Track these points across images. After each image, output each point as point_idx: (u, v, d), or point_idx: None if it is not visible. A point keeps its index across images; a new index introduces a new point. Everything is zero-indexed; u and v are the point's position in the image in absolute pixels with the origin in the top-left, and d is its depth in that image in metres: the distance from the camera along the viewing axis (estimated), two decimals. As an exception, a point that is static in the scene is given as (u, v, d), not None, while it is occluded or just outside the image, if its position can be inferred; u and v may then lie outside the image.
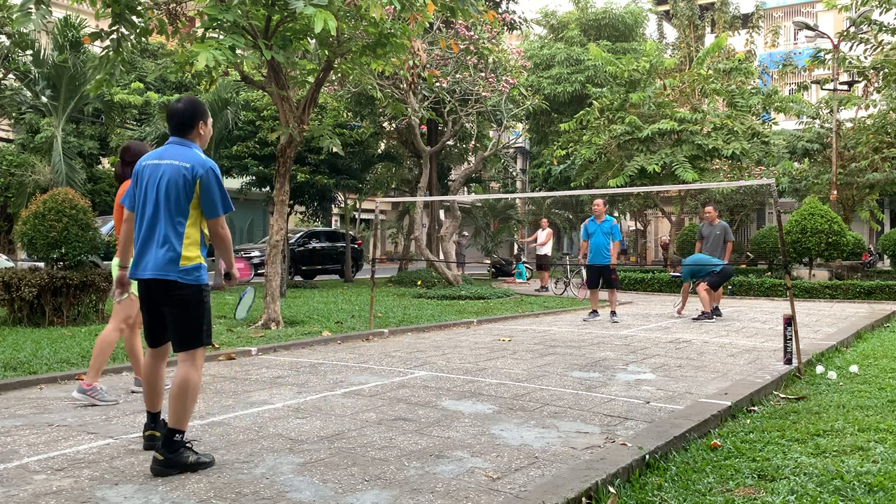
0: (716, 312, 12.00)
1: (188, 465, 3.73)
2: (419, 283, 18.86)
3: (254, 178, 19.74)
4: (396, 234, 33.75)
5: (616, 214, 37.19)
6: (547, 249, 19.73)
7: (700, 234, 12.46)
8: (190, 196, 3.81)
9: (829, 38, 19.83)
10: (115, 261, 5.10)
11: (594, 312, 11.72)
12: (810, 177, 23.81)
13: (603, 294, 12.41)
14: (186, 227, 3.83)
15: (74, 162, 17.25)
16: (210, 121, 4.09)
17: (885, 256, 23.57)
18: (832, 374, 6.50)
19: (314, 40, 9.55)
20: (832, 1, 16.13)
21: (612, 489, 3.46)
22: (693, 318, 11.53)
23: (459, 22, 14.02)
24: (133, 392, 5.62)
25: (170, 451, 3.70)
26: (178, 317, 3.84)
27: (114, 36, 8.68)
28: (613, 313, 11.41)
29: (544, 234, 19.66)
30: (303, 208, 22.68)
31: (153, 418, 4.10)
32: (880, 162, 21.28)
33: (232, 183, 28.21)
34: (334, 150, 10.77)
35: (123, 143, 5.11)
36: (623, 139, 19.92)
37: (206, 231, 3.95)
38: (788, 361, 6.87)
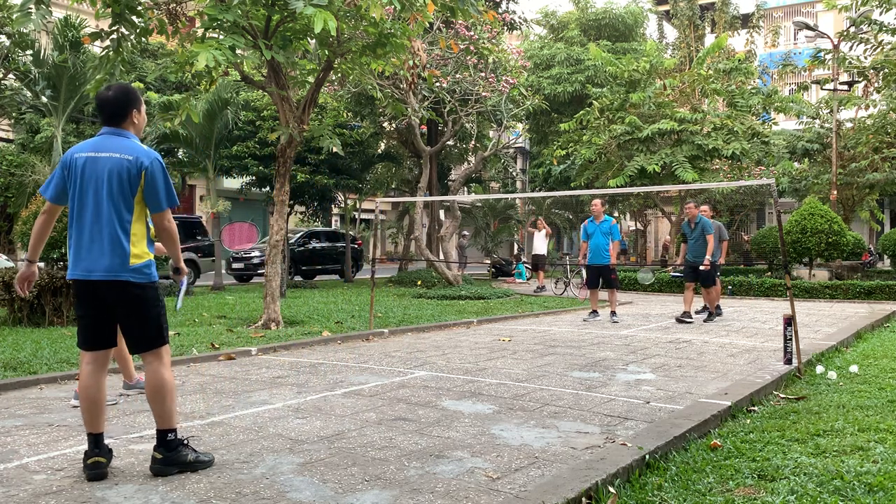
0: (717, 312, 12.02)
1: (187, 462, 3.68)
2: (419, 283, 18.86)
3: (254, 178, 19.75)
4: (396, 234, 33.76)
5: (616, 214, 37.22)
6: (542, 249, 19.71)
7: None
8: (135, 190, 3.63)
9: (829, 38, 19.83)
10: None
11: (594, 312, 11.72)
12: (810, 177, 23.82)
13: (603, 294, 12.41)
14: (133, 223, 3.64)
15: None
16: (144, 108, 3.86)
17: (885, 256, 23.58)
18: (832, 374, 6.50)
19: (314, 40, 9.55)
20: (832, 1, 16.14)
21: (612, 489, 3.46)
22: (675, 319, 11.28)
23: (459, 22, 14.02)
24: (121, 395, 5.54)
25: (168, 450, 3.66)
26: (138, 318, 3.67)
27: (114, 36, 8.68)
28: (613, 313, 11.41)
29: (542, 234, 19.71)
30: (303, 208, 22.68)
31: (96, 441, 3.64)
32: (880, 162, 21.28)
33: (232, 183, 28.23)
34: (334, 150, 10.76)
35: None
36: (623, 139, 19.93)
37: (151, 225, 3.79)
38: (788, 361, 6.87)
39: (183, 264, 3.99)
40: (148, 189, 3.65)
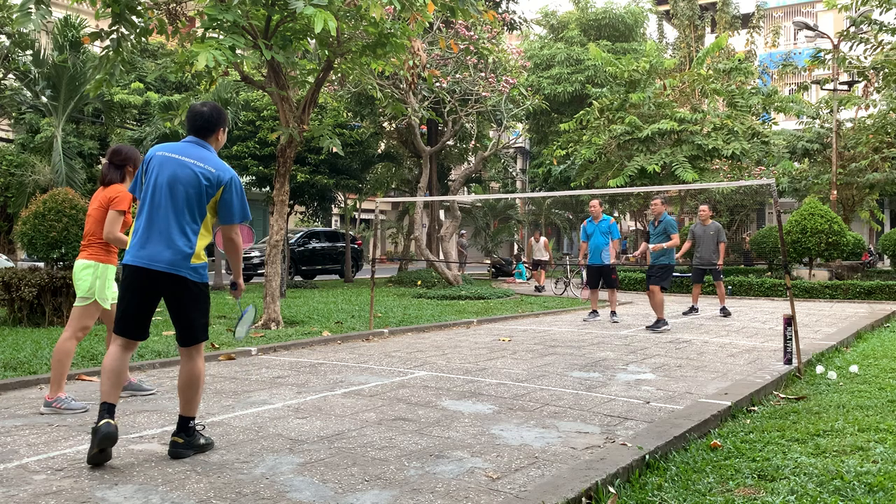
0: (723, 312, 12.06)
1: (201, 446, 4.02)
2: (419, 283, 18.87)
3: (254, 178, 19.75)
4: (396, 234, 33.76)
5: (616, 214, 37.13)
6: (544, 256, 19.93)
7: (692, 234, 12.42)
8: (209, 199, 3.91)
9: (829, 38, 19.83)
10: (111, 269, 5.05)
11: (594, 312, 11.72)
12: (810, 177, 23.82)
13: (603, 294, 12.41)
14: (201, 227, 3.92)
15: (74, 162, 17.23)
16: (227, 128, 4.20)
17: (885, 256, 23.57)
18: (832, 374, 6.50)
19: (314, 40, 9.55)
20: (832, 1, 16.12)
21: (612, 489, 3.46)
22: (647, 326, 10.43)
23: (459, 22, 14.02)
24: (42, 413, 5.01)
25: (188, 435, 3.96)
26: (188, 313, 3.94)
27: (114, 36, 8.68)
28: (613, 313, 11.41)
29: (541, 244, 19.86)
30: (303, 208, 22.68)
31: (109, 409, 3.82)
32: (880, 162, 21.28)
33: (232, 183, 28.24)
34: (334, 150, 10.75)
35: (113, 145, 4.93)
36: (623, 139, 19.93)
37: (211, 235, 4.08)
38: (788, 361, 6.87)
39: (241, 281, 4.24)
40: (224, 202, 3.95)
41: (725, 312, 12.13)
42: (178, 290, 3.88)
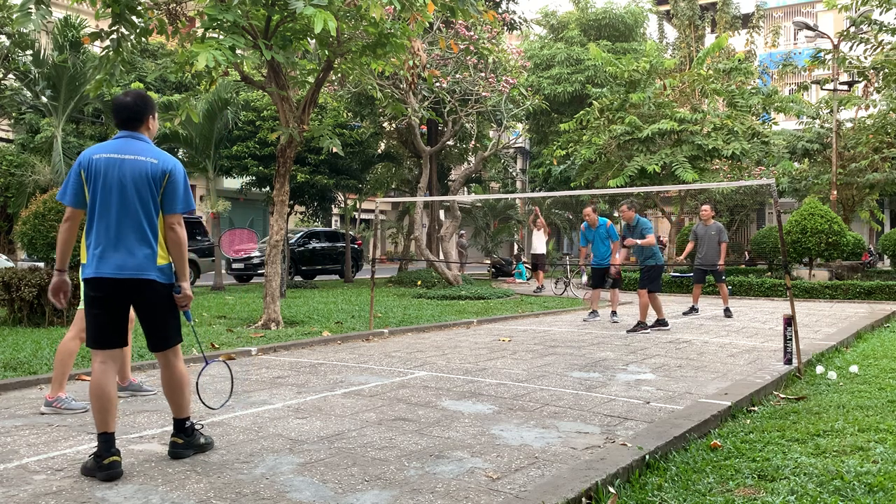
0: (727, 313, 12.06)
1: (201, 445, 4.04)
2: (419, 283, 18.86)
3: (254, 178, 19.75)
4: (396, 234, 33.75)
5: (616, 215, 37.07)
6: (542, 248, 19.69)
7: (694, 235, 12.44)
8: (158, 192, 3.77)
9: (829, 38, 19.83)
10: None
11: (594, 313, 11.72)
12: (810, 177, 23.81)
13: (604, 294, 12.40)
14: (157, 226, 3.79)
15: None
16: (156, 114, 4.04)
17: (885, 256, 23.57)
18: (832, 375, 6.50)
19: (314, 40, 9.55)
20: (832, 1, 16.12)
21: (612, 489, 3.46)
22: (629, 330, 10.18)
23: (459, 22, 14.02)
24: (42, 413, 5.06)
25: (187, 435, 3.98)
26: (159, 316, 3.83)
27: (114, 36, 8.68)
28: (614, 313, 11.41)
29: (540, 233, 19.69)
30: (303, 208, 22.68)
31: (109, 441, 3.62)
32: (880, 162, 21.27)
33: (232, 183, 28.23)
34: (334, 150, 10.74)
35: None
36: (623, 139, 19.92)
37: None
38: (788, 361, 6.87)
39: (187, 284, 3.87)
40: (167, 191, 3.78)
41: (728, 313, 12.12)
42: (146, 294, 3.75)
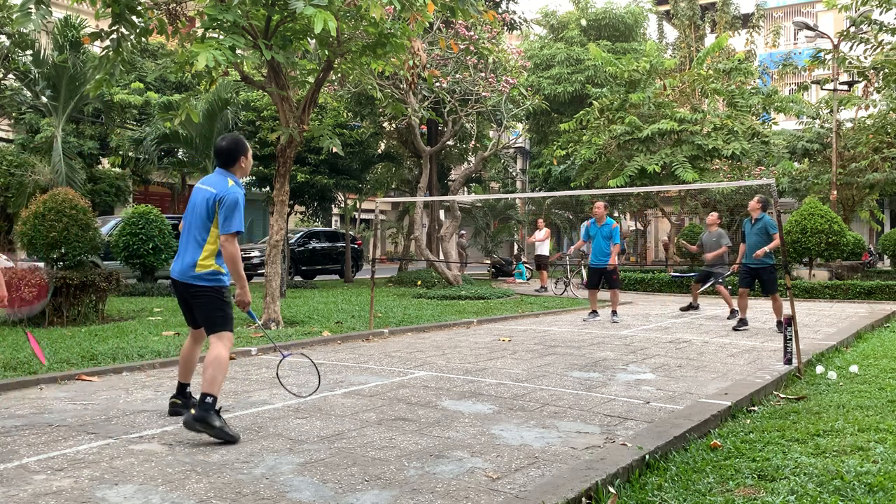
0: (733, 314, 12.02)
1: (213, 427, 4.26)
2: (419, 283, 18.86)
3: (254, 178, 19.74)
4: (396, 234, 33.74)
5: (616, 214, 37.06)
6: (545, 249, 19.67)
7: (700, 242, 12.51)
8: (212, 216, 4.53)
9: (829, 38, 19.83)
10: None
11: (594, 313, 11.72)
12: (810, 177, 23.81)
13: (604, 294, 12.40)
14: (207, 241, 4.56)
15: (74, 162, 17.24)
16: (250, 153, 4.84)
17: (885, 256, 23.58)
18: (832, 374, 6.50)
19: (314, 40, 9.55)
20: (832, 1, 16.12)
21: (612, 489, 3.46)
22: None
23: (459, 22, 14.01)
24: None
25: (202, 409, 4.28)
26: (200, 311, 4.65)
27: (114, 36, 8.68)
28: (614, 313, 11.41)
29: (542, 234, 19.65)
30: (303, 208, 22.67)
31: (181, 388, 4.92)
32: (880, 162, 21.28)
33: (232, 183, 28.16)
34: (334, 150, 10.75)
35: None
36: (623, 139, 19.92)
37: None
38: (788, 361, 6.87)
39: (239, 290, 4.74)
40: (220, 214, 4.52)
41: (734, 314, 12.06)
42: (189, 293, 4.62)
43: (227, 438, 4.25)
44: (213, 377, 4.38)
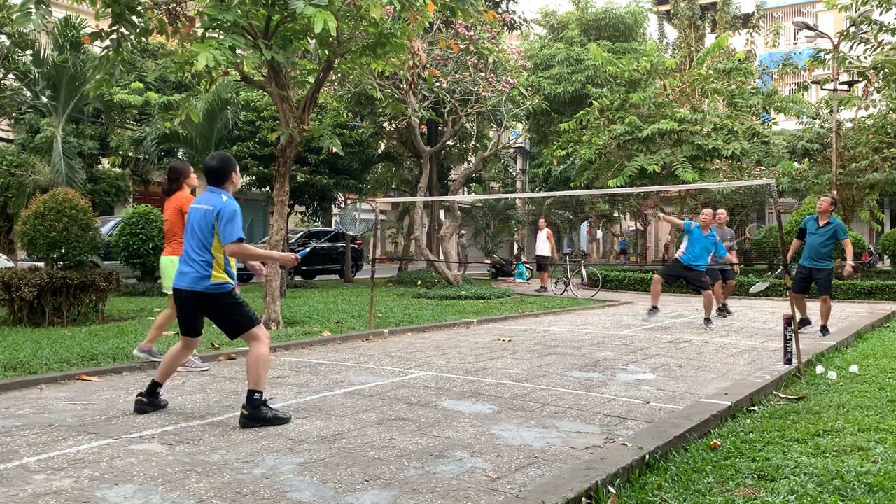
0: (723, 311, 12.00)
1: (267, 419, 4.63)
2: (419, 283, 18.85)
3: (254, 178, 19.74)
4: (396, 234, 33.74)
5: (616, 214, 37.14)
6: (546, 250, 19.63)
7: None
8: (212, 229, 4.78)
9: (829, 38, 19.82)
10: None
11: (723, 309, 11.87)
12: (810, 177, 23.81)
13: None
14: (210, 252, 4.80)
15: (74, 162, 17.24)
16: (238, 169, 5.09)
17: (885, 256, 23.57)
18: (832, 374, 6.50)
19: (314, 40, 9.55)
20: (832, 1, 16.12)
21: (612, 489, 3.46)
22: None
23: (459, 22, 14.01)
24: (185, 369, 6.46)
25: (252, 407, 4.62)
26: (220, 316, 4.87)
27: (114, 36, 8.67)
28: (708, 320, 10.69)
29: (543, 234, 19.63)
30: (303, 208, 22.67)
31: (153, 387, 5.03)
32: (880, 162, 21.27)
33: (232, 183, 28.15)
34: (334, 150, 10.74)
35: (171, 163, 7.00)
36: (623, 139, 19.92)
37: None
38: (788, 361, 6.87)
39: (281, 258, 5.12)
40: (220, 227, 4.77)
41: (726, 311, 12.08)
42: (199, 302, 4.84)
43: (281, 422, 4.66)
44: (258, 376, 4.70)
